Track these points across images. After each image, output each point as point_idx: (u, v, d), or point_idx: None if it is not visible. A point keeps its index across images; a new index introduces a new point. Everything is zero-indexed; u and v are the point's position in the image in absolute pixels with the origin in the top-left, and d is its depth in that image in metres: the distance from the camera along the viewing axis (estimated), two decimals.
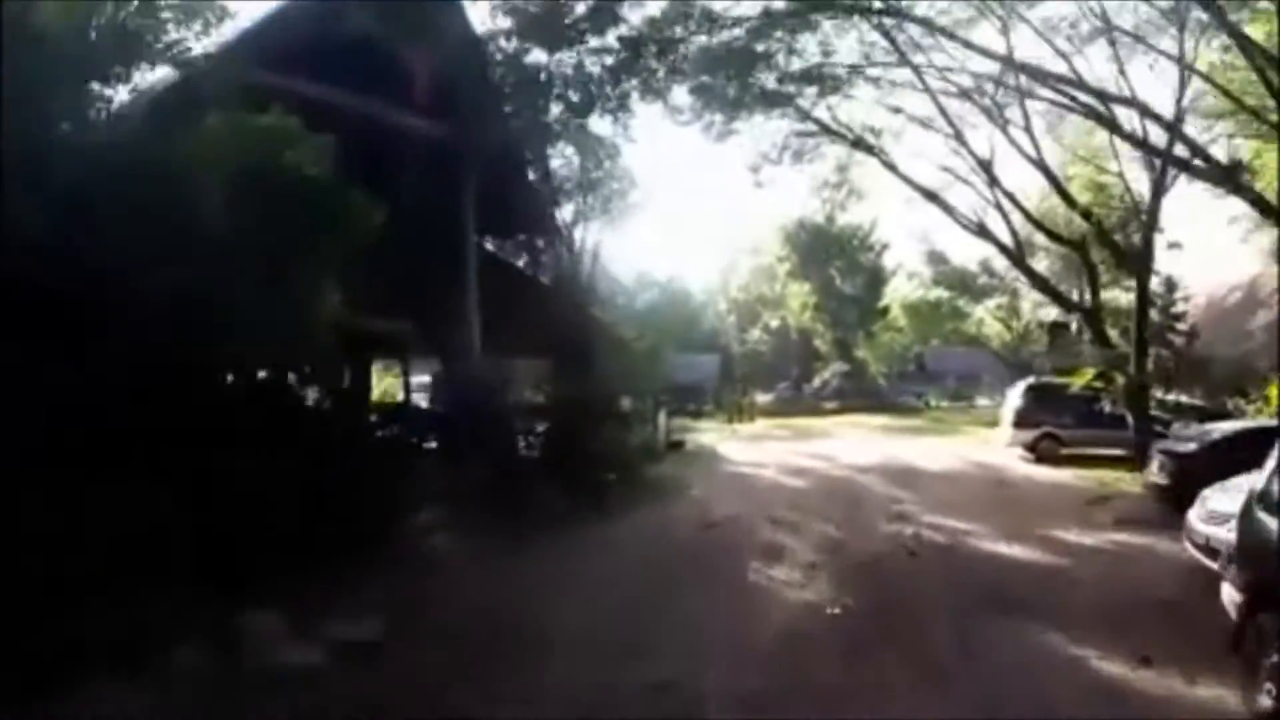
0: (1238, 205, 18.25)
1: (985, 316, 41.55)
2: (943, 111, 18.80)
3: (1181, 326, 21.19)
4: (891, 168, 20.17)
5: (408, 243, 10.28)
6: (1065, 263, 27.94)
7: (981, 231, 20.11)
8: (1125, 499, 13.52)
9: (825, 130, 20.39)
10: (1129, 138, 17.26)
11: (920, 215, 51.85)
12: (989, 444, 24.72)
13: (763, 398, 48.36)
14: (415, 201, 10.96)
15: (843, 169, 27.14)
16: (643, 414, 21.01)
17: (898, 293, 48.23)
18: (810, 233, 49.20)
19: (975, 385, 59.40)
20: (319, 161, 7.61)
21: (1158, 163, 17.80)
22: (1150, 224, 18.65)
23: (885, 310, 49.07)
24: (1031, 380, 21.41)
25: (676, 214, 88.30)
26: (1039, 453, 19.97)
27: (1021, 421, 20.42)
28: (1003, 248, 20.96)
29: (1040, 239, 24.36)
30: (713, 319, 67.57)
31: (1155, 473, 12.92)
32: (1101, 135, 19.53)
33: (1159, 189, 18.31)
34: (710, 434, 29.61)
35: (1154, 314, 19.84)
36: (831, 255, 49.31)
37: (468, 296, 12.98)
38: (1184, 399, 20.37)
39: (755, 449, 23.55)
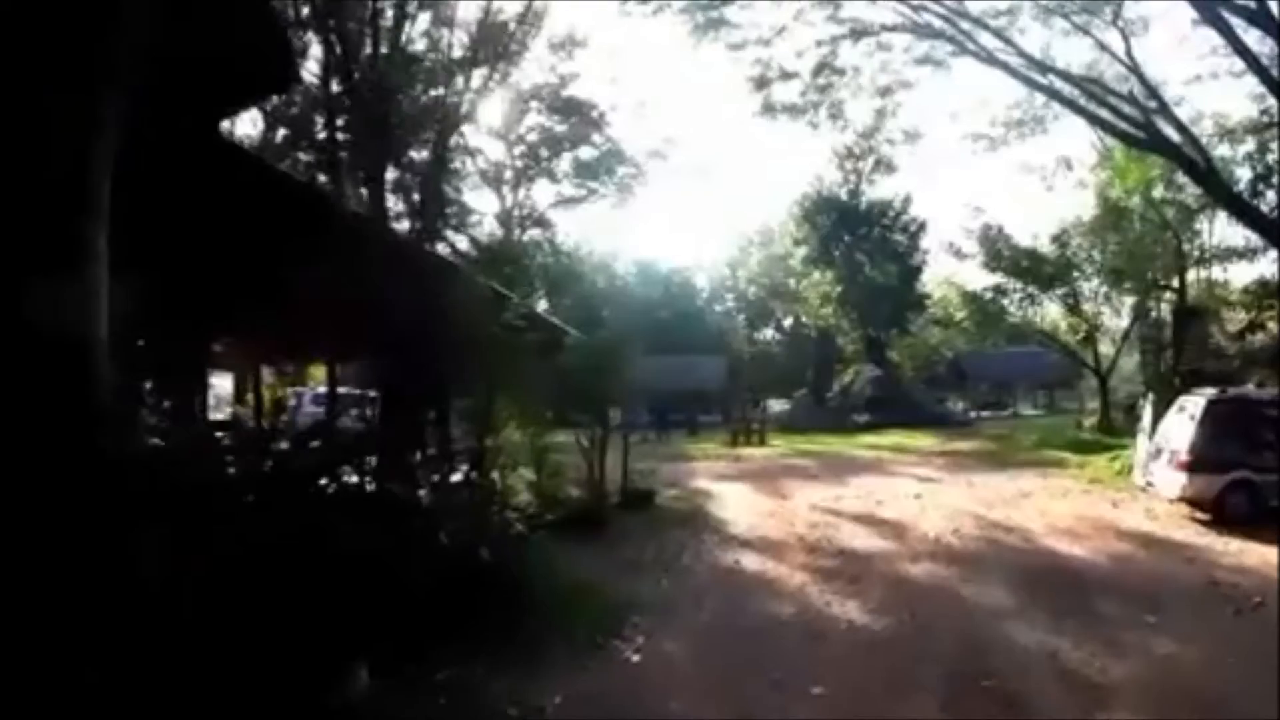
0: None
1: (1054, 307, 33.04)
2: None
3: None
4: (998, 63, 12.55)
5: None
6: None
7: (1156, 141, 12.28)
8: None
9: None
10: None
11: (972, 177, 43.48)
12: (1102, 484, 16.86)
13: (777, 406, 40.64)
14: None
15: (888, 93, 19.60)
16: (592, 445, 13.36)
17: (946, 280, 39.25)
18: (832, 207, 41.14)
19: (1008, 391, 51.34)
20: None
21: None
22: None
23: (923, 303, 40.41)
24: (1213, 393, 13.30)
25: (680, 200, 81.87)
26: (1227, 513, 12.16)
27: (1201, 462, 12.48)
28: (1186, 160, 12.74)
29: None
30: (719, 316, 60.54)
31: None
32: None
33: None
34: (707, 463, 22.14)
35: None
36: (858, 237, 41.15)
37: (89, 219, 5.17)
38: None
39: (769, 500, 15.57)
